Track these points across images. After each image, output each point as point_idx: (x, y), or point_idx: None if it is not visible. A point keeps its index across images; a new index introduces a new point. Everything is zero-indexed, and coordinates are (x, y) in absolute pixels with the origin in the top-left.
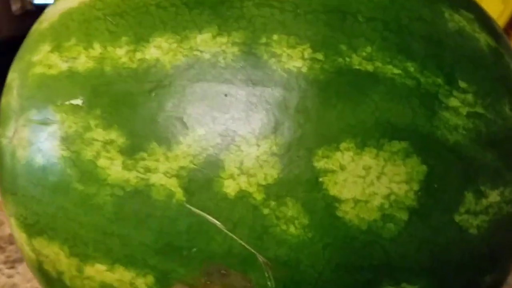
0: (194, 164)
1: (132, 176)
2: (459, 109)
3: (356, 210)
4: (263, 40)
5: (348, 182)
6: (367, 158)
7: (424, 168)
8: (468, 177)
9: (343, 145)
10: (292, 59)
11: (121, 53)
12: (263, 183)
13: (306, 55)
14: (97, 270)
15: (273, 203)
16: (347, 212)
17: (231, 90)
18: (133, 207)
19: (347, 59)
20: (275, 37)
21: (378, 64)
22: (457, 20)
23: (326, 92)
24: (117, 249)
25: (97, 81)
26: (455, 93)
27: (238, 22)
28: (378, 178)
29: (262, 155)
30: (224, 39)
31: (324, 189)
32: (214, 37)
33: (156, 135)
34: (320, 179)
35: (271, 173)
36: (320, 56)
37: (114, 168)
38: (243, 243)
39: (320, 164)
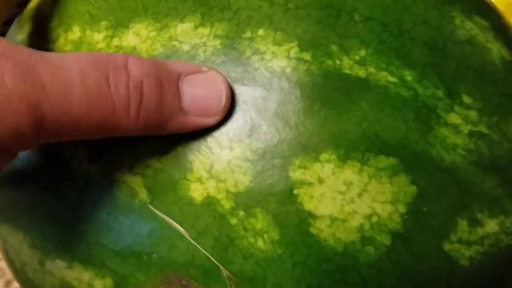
0: (161, 163)
1: (95, 170)
2: (459, 127)
3: (332, 229)
4: (248, 34)
5: (326, 197)
6: (349, 173)
7: (413, 189)
8: (463, 202)
9: (323, 156)
10: (277, 57)
11: (98, 38)
12: (233, 190)
13: (292, 54)
14: (57, 266)
15: (241, 213)
16: (322, 230)
17: None
18: (95, 202)
19: (337, 61)
20: (260, 32)
21: (372, 69)
22: (469, 28)
23: (310, 97)
24: (75, 246)
25: None
26: (456, 108)
27: (223, 13)
28: (360, 195)
29: (234, 159)
30: (206, 31)
31: (298, 203)
32: (195, 27)
33: None
34: (295, 191)
35: (242, 180)
36: (307, 56)
37: (77, 161)
38: (207, 254)
39: (296, 174)
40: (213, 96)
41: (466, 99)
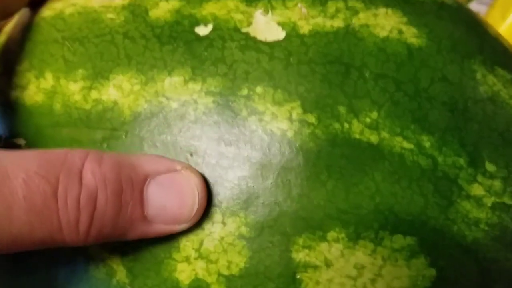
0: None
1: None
2: (483, 199)
3: None
4: (244, 92)
5: (334, 283)
6: (361, 255)
7: (432, 272)
8: (484, 282)
9: (330, 235)
10: (277, 119)
11: (75, 88)
12: (225, 273)
13: (294, 116)
14: None
15: None
16: None
17: (198, 149)
18: (71, 281)
19: (346, 125)
20: (258, 89)
21: (385, 134)
22: (491, 83)
23: (315, 165)
24: None
25: (43, 121)
26: (480, 178)
27: (217, 66)
28: (373, 281)
29: (228, 236)
30: (197, 86)
31: None
32: (185, 82)
33: None
34: (298, 276)
35: (237, 261)
36: (312, 118)
37: None
38: None
39: (299, 256)
40: (183, 204)
41: (490, 167)
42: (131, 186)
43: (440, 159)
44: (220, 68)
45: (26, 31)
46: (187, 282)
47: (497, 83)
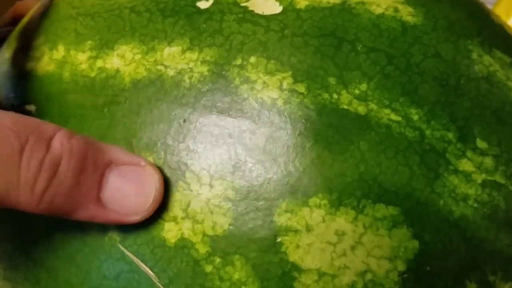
0: None
1: None
2: (472, 175)
3: (319, 285)
4: (238, 61)
5: (314, 247)
6: (342, 221)
7: (415, 244)
8: (473, 262)
9: (313, 201)
10: (268, 88)
11: (82, 58)
12: (210, 233)
13: (285, 85)
14: None
15: (218, 260)
16: (308, 286)
17: (191, 116)
18: (66, 237)
19: (335, 95)
20: (252, 59)
21: (373, 106)
22: (487, 63)
23: (302, 133)
24: (44, 282)
25: (53, 89)
26: (469, 153)
27: (214, 38)
28: (353, 248)
29: (214, 198)
30: (194, 55)
31: (282, 252)
32: (183, 51)
33: None
34: (279, 239)
35: (221, 222)
36: (301, 88)
37: None
38: None
39: (281, 220)
40: (139, 196)
41: (481, 144)
42: (93, 166)
43: (427, 132)
44: (217, 39)
45: (45, 11)
46: (173, 241)
47: (494, 64)
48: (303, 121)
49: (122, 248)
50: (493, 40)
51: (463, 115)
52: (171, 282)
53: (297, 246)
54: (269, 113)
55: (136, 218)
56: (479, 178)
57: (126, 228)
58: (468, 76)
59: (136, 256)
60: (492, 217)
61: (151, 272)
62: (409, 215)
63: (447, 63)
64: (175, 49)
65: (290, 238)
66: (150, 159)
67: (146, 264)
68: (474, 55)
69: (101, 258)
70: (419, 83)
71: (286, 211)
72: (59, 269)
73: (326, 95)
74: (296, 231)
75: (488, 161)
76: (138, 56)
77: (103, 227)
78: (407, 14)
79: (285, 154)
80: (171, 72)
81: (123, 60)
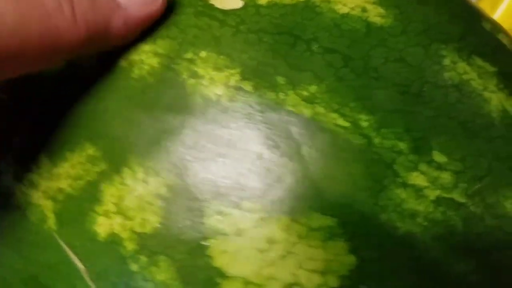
0: (73, 189)
1: (17, 190)
2: (424, 190)
3: None
4: (189, 55)
5: (242, 254)
6: (274, 228)
7: (351, 259)
8: (422, 285)
9: (245, 204)
10: (215, 84)
11: None
12: (138, 230)
13: (231, 82)
14: None
15: (144, 259)
16: None
17: (135, 108)
18: (11, 224)
19: (281, 95)
20: (203, 54)
21: (320, 109)
22: (462, 71)
23: (244, 133)
24: None
25: None
26: (423, 167)
27: (168, 30)
28: (284, 258)
29: (147, 194)
30: (146, 47)
31: (207, 256)
32: (136, 42)
33: (47, 146)
34: (206, 242)
35: (151, 219)
36: (248, 86)
37: (4, 178)
38: None
39: (211, 221)
40: None
41: (439, 157)
42: None
43: (376, 141)
44: (172, 31)
45: None
46: (103, 235)
47: (470, 72)
48: (247, 120)
49: (57, 238)
50: (477, 47)
51: (421, 125)
52: (98, 277)
53: (224, 251)
54: (213, 110)
55: (157, 3)
56: (432, 194)
57: (63, 218)
58: (435, 83)
59: (69, 247)
60: (446, 239)
61: (81, 265)
62: (348, 228)
63: (411, 69)
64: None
65: (218, 242)
66: (90, 151)
67: (77, 257)
68: (447, 61)
69: (40, 246)
70: (374, 88)
71: (217, 213)
72: (4, 255)
73: (272, 95)
74: (225, 235)
75: (446, 177)
76: None
77: (43, 216)
78: (376, 15)
79: (225, 154)
80: (124, 63)
81: None
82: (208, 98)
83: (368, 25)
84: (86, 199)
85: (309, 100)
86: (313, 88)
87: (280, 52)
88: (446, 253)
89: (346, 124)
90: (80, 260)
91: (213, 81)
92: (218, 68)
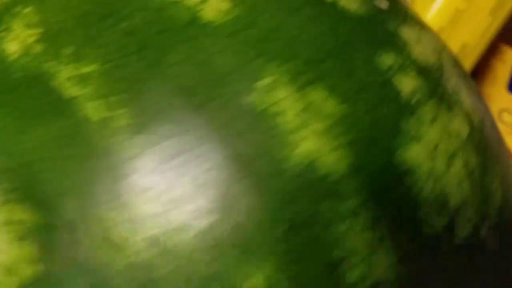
0: None
1: None
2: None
3: None
4: (17, 9)
5: None
6: None
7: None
8: None
9: None
10: (15, 40)
11: None
12: None
13: (28, 41)
14: None
15: None
16: None
17: None
18: None
19: (56, 67)
20: (26, 10)
21: (85, 91)
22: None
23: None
24: None
25: None
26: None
27: None
28: None
29: None
30: None
31: None
32: None
33: None
34: None
35: None
36: (38, 48)
37: None
38: None
39: None
40: None
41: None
42: None
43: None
44: None
45: None
46: None
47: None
48: (17, 85)
49: None
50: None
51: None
52: None
53: None
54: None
55: None
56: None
57: None
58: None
59: None
60: None
61: None
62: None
63: (210, 77)
64: None
65: None
66: None
67: None
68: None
69: None
70: (150, 86)
71: None
72: None
73: (52, 64)
74: None
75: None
76: None
77: None
78: (214, 9)
79: None
80: None
81: None
82: (3, 52)
83: (195, 18)
84: None
85: (78, 79)
86: (92, 67)
87: (88, 21)
88: None
89: (97, 119)
90: None
91: (16, 37)
92: (27, 25)
